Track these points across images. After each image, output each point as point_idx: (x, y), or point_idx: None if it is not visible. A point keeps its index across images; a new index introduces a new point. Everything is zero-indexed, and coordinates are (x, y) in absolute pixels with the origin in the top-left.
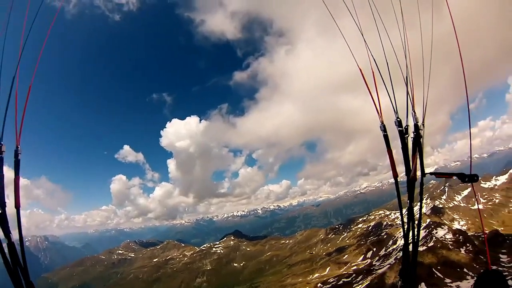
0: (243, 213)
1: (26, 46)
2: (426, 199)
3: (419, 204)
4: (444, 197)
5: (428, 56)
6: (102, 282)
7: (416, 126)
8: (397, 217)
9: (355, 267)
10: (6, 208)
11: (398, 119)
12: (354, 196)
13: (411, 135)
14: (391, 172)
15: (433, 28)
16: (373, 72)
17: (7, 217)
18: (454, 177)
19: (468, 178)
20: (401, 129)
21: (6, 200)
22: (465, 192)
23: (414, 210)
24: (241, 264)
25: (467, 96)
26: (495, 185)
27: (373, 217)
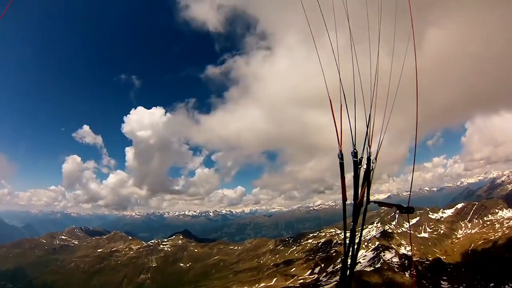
0: (195, 213)
1: None
2: (377, 223)
3: (361, 228)
4: (394, 222)
5: (394, 90)
6: (39, 268)
7: (369, 159)
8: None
9: (301, 281)
10: None
11: (355, 151)
12: (307, 212)
13: (364, 166)
14: None
15: (404, 65)
16: (340, 100)
17: None
18: (394, 207)
19: (405, 209)
20: (356, 159)
21: None
22: (414, 221)
23: (357, 233)
24: (187, 265)
25: (416, 140)
26: (442, 217)
27: (323, 234)
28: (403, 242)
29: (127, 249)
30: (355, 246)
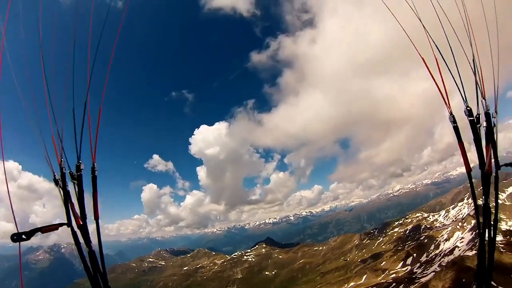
0: (275, 220)
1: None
2: (467, 199)
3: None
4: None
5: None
6: None
7: (487, 114)
8: (435, 220)
9: (394, 275)
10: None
11: (468, 108)
12: (388, 199)
13: (483, 124)
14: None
15: None
16: (433, 51)
17: (88, 227)
18: None
19: None
20: (472, 118)
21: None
22: (510, 190)
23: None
24: (273, 273)
25: None
26: None
27: (409, 220)
28: (503, 216)
29: (212, 264)
30: (491, 226)
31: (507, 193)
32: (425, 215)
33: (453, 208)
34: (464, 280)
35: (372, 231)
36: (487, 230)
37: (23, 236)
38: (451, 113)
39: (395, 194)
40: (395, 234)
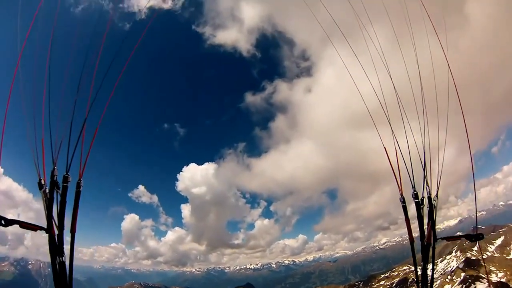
0: (257, 266)
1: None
2: (456, 252)
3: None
4: (475, 248)
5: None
6: None
7: (430, 199)
8: None
9: None
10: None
11: (415, 192)
12: (373, 252)
13: (426, 205)
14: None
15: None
16: (396, 152)
17: (63, 238)
18: (462, 238)
19: (474, 237)
20: (417, 200)
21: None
22: (498, 241)
23: (429, 273)
24: None
25: (470, 154)
26: None
27: (396, 273)
28: (492, 268)
29: None
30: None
31: (496, 245)
32: (412, 268)
33: (441, 261)
34: None
35: (357, 283)
36: None
37: (2, 222)
38: (402, 195)
39: (381, 247)
40: (381, 287)
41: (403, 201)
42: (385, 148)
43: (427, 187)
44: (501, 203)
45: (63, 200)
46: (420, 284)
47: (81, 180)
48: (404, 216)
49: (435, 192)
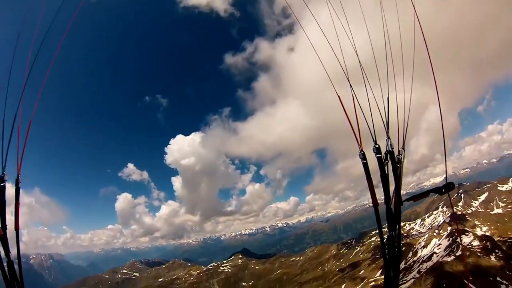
0: (251, 231)
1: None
2: (442, 207)
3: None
4: (460, 203)
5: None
6: None
7: (392, 153)
8: (412, 228)
9: (373, 283)
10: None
11: (377, 145)
12: (364, 210)
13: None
14: None
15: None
16: (353, 99)
17: (7, 238)
18: (431, 193)
19: (445, 188)
20: (379, 155)
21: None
22: (482, 197)
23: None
24: (250, 283)
25: (440, 110)
26: None
27: (386, 229)
28: (477, 222)
29: (187, 275)
30: (396, 255)
31: (480, 200)
32: (401, 224)
33: (428, 217)
34: (444, 285)
35: (349, 241)
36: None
37: None
38: (361, 150)
39: (370, 205)
40: (372, 243)
41: (362, 157)
42: (339, 97)
43: (388, 140)
44: (485, 161)
45: (3, 200)
46: (387, 253)
47: (19, 177)
48: (365, 177)
49: (402, 144)
